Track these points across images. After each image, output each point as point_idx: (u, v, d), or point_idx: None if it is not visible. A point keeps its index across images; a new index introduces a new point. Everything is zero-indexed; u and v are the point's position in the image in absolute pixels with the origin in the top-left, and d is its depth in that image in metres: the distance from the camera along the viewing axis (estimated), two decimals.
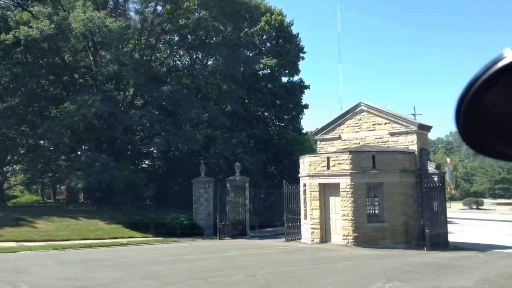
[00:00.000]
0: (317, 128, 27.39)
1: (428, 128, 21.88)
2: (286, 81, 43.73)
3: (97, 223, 27.49)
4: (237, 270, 11.34)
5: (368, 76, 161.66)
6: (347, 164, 19.72)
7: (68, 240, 22.80)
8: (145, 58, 35.86)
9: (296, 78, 43.95)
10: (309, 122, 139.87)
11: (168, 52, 39.05)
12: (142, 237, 24.84)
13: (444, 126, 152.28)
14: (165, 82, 35.06)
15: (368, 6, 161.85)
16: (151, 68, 34.59)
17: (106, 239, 23.64)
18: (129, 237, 24.64)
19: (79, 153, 37.63)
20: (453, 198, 57.77)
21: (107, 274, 10.64)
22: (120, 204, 31.76)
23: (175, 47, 39.69)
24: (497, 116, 1.04)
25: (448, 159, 50.38)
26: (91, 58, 34.06)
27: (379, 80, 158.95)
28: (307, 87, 44.33)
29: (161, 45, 39.48)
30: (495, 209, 58.91)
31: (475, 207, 61.35)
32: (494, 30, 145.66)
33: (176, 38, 38.94)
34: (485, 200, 67.64)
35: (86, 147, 38.41)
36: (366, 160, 19.64)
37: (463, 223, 34.33)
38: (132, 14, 35.65)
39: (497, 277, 11.39)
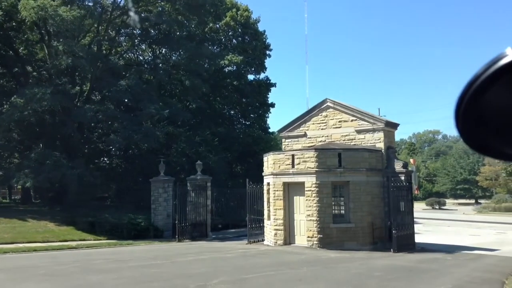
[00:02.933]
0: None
1: (395, 126, 21.26)
2: (252, 78, 42.80)
3: (47, 225, 25.72)
4: (187, 279, 10.06)
5: (335, 78, 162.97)
6: (312, 162, 18.81)
7: (12, 243, 21.06)
8: (104, 51, 34.01)
9: (262, 76, 43.14)
10: (275, 122, 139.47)
11: (129, 45, 37.23)
12: (94, 240, 23.28)
13: (407, 128, 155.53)
14: (124, 76, 33.32)
15: (335, 6, 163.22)
16: (109, 61, 32.74)
17: (55, 242, 22.00)
18: (80, 240, 23.08)
19: (37, 150, 35.30)
20: (416, 198, 58.27)
21: (32, 286, 9.18)
22: (74, 204, 29.88)
23: (136, 41, 37.95)
24: (497, 115, 1.01)
25: (411, 160, 50.80)
26: (46, 51, 31.97)
27: (346, 82, 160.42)
28: (273, 85, 43.54)
29: (122, 38, 37.69)
30: (456, 209, 59.93)
31: (437, 207, 62.25)
32: (460, 30, 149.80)
33: (137, 32, 37.18)
34: (446, 200, 68.79)
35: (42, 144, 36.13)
36: (332, 158, 18.79)
37: (427, 223, 34.35)
38: (90, 4, 33.71)
39: (471, 282, 10.65)
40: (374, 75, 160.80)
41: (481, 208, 56.65)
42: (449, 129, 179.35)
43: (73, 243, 21.52)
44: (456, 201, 74.70)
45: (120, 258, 14.21)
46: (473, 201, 72.05)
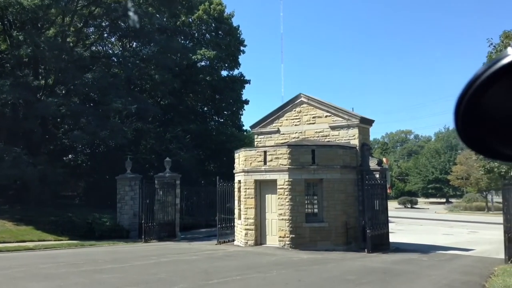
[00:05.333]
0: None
1: (370, 122, 20.69)
2: (225, 74, 41.86)
3: (4, 224, 24.20)
4: (141, 286, 9.06)
5: (310, 77, 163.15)
6: (285, 159, 18.05)
7: None
8: (71, 44, 32.43)
9: (236, 72, 42.26)
10: (250, 119, 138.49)
11: (95, 37, 35.67)
12: (55, 240, 21.99)
13: (380, 127, 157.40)
14: (91, 69, 31.85)
15: (311, 4, 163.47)
16: (75, 53, 31.17)
17: (12, 242, 20.62)
18: (39, 240, 21.76)
19: None
20: (388, 197, 58.51)
21: None
22: (36, 203, 28.36)
23: (105, 34, 36.43)
24: (497, 115, 1.00)
25: (384, 159, 50.65)
26: (8, 42, 30.21)
27: (321, 82, 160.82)
28: (248, 81, 42.71)
29: (90, 30, 36.12)
30: (428, 208, 60.48)
31: (409, 206, 62.71)
32: (431, 30, 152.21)
33: (106, 23, 35.66)
34: (418, 199, 69.42)
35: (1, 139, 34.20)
36: (305, 154, 18.06)
37: (400, 222, 34.23)
38: None
39: (449, 286, 10.04)
40: (349, 75, 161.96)
41: (452, 207, 57.30)
42: (421, 129, 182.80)
43: (31, 244, 20.21)
44: (427, 200, 75.53)
45: (75, 261, 13.05)
46: (444, 200, 72.97)
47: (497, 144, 1.05)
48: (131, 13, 31.87)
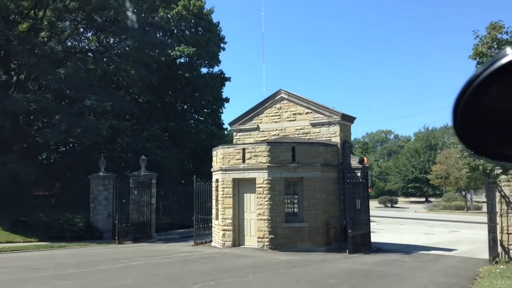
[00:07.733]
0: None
1: (351, 119, 20.22)
2: (205, 72, 41.00)
3: None
4: None
5: (292, 76, 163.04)
6: (264, 156, 17.42)
7: None
8: (45, 38, 31.20)
9: (216, 69, 41.42)
10: (230, 117, 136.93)
11: (69, 31, 34.46)
12: (24, 242, 21.02)
13: (360, 127, 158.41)
14: (65, 65, 30.68)
15: (293, 2, 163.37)
16: (48, 47, 29.96)
17: None
18: (7, 242, 20.78)
19: None
20: (369, 196, 58.44)
21: None
22: (6, 202, 27.13)
23: (81, 29, 35.22)
24: (496, 115, 1.00)
25: (364, 159, 50.57)
26: None
27: (303, 81, 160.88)
28: (228, 79, 41.94)
29: (67, 24, 34.88)
30: (408, 207, 60.73)
31: (389, 205, 62.87)
32: (419, 27, 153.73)
33: (82, 17, 34.45)
34: (398, 199, 69.74)
35: None
36: (285, 152, 17.46)
37: (380, 221, 33.98)
38: None
39: None
40: (330, 74, 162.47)
41: (432, 206, 57.58)
42: (400, 129, 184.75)
43: None
44: (407, 199, 75.96)
45: (38, 265, 12.15)
46: (423, 199, 73.48)
47: (496, 144, 1.03)
48: (107, 6, 30.86)
